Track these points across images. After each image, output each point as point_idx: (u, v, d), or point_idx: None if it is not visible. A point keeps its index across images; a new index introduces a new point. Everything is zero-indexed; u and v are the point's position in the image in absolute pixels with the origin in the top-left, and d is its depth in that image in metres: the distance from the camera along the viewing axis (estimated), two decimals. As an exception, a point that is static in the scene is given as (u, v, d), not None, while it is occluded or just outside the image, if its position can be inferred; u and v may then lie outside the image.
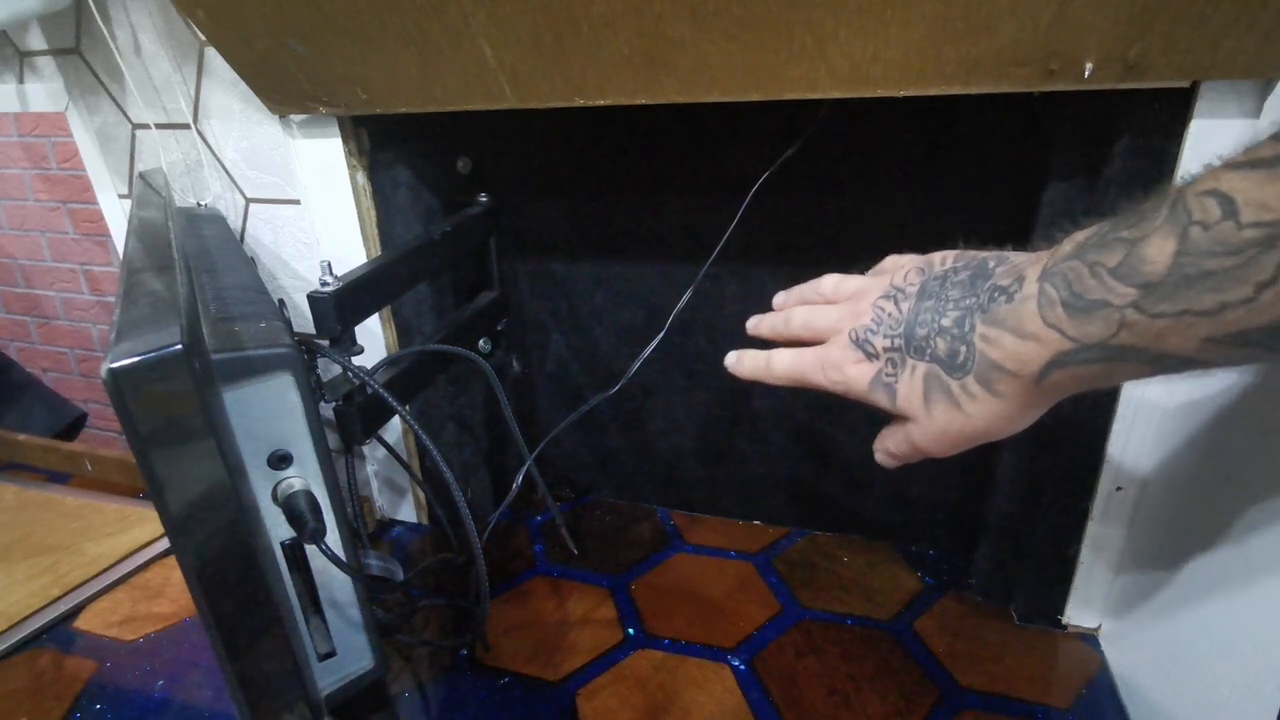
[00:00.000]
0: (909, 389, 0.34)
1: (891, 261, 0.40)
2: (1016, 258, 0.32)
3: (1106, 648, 0.58)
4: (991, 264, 0.33)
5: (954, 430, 0.33)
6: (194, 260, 0.53)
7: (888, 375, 0.35)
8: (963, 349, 0.32)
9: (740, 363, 0.42)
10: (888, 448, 0.38)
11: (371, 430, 0.55)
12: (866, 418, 0.68)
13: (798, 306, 0.42)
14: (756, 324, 0.44)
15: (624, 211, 0.69)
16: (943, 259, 0.36)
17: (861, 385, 0.36)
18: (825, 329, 0.39)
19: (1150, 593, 0.52)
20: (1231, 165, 0.24)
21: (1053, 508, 0.56)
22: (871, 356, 0.36)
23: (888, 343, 0.35)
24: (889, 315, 0.36)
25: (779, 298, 0.44)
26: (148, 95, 0.68)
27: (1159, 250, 0.25)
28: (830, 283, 0.42)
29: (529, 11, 0.45)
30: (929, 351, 0.33)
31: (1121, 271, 0.26)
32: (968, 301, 0.32)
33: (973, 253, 0.35)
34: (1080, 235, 0.29)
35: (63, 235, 1.54)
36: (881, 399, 0.36)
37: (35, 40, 0.71)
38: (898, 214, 0.61)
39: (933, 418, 0.34)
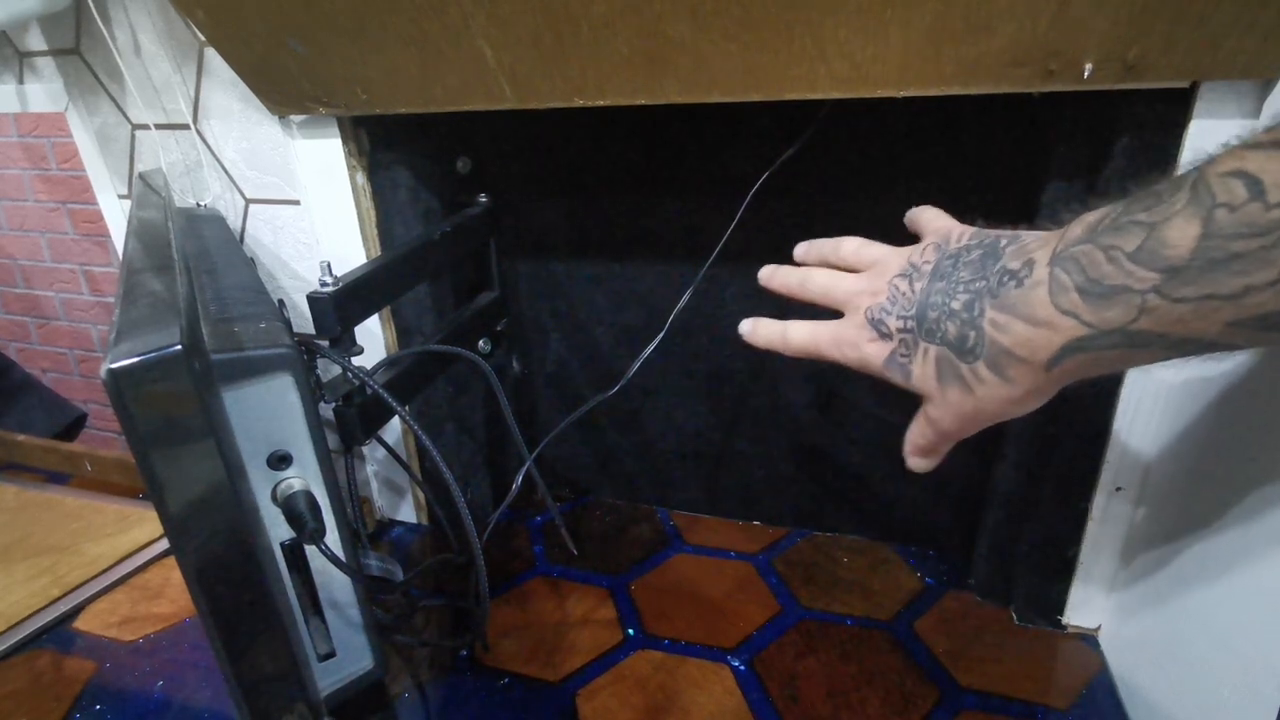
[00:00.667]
0: (923, 370, 0.34)
1: (929, 216, 0.40)
2: (1026, 237, 0.32)
3: (1106, 648, 0.58)
4: (1003, 243, 0.33)
5: (969, 410, 0.33)
6: (194, 261, 0.53)
7: (902, 356, 0.35)
8: (972, 334, 0.32)
9: (755, 331, 0.42)
10: (915, 441, 0.37)
11: (371, 431, 0.55)
12: (868, 417, 0.69)
13: (816, 272, 0.42)
14: (770, 276, 0.43)
15: (624, 211, 0.69)
16: (959, 235, 0.36)
17: (877, 363, 0.37)
18: (842, 300, 0.39)
19: (1150, 593, 0.52)
20: (1254, 146, 0.24)
21: (1052, 508, 0.56)
22: (885, 336, 0.36)
23: (900, 324, 0.35)
24: (903, 295, 0.36)
25: (800, 249, 0.44)
26: (147, 96, 0.68)
27: (1181, 234, 0.24)
28: (851, 246, 0.41)
29: (529, 11, 0.45)
30: (939, 335, 0.33)
31: (1141, 256, 0.25)
32: (977, 284, 0.32)
33: (987, 230, 0.35)
34: (1090, 217, 0.28)
35: (62, 236, 1.54)
36: (897, 377, 0.36)
37: (35, 41, 0.71)
38: (898, 214, 0.60)
39: (947, 399, 0.34)
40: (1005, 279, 0.31)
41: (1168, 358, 0.27)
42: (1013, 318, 0.30)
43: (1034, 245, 0.31)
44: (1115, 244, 0.26)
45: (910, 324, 0.35)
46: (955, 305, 0.33)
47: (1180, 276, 0.25)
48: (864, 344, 0.37)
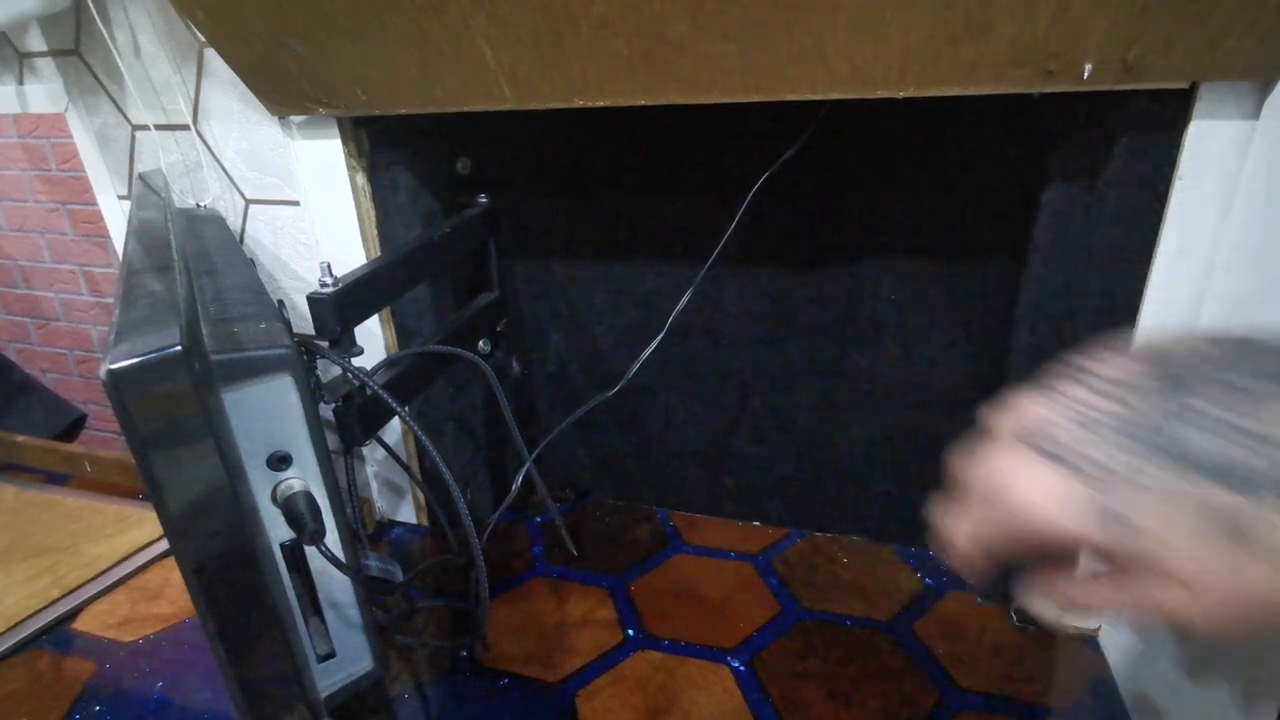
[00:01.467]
0: (1163, 523, 0.21)
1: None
2: None
3: (1106, 648, 0.58)
4: None
5: (1260, 594, 0.20)
6: (194, 261, 0.53)
7: (1109, 499, 0.22)
8: None
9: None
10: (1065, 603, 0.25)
11: (371, 431, 0.55)
12: (868, 418, 0.68)
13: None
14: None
15: (624, 211, 0.69)
16: (1176, 342, 0.23)
17: (1056, 511, 0.23)
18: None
19: (1150, 593, 0.52)
20: None
21: (1053, 508, 0.56)
22: (1067, 466, 0.23)
23: (1105, 454, 0.22)
24: (1098, 410, 0.23)
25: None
26: (147, 96, 0.68)
27: None
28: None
29: (529, 12, 0.45)
30: (1216, 469, 0.21)
31: None
32: None
33: (1218, 334, 0.23)
34: None
35: (62, 236, 1.54)
36: (1102, 535, 0.22)
37: (35, 41, 0.71)
38: (897, 214, 0.61)
39: (1213, 574, 0.21)
40: None
41: None
42: None
43: None
44: None
45: (1136, 447, 0.22)
46: (1252, 424, 0.20)
47: None
48: (1027, 481, 0.24)
